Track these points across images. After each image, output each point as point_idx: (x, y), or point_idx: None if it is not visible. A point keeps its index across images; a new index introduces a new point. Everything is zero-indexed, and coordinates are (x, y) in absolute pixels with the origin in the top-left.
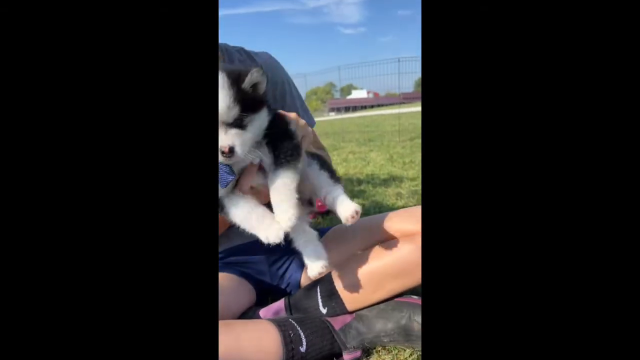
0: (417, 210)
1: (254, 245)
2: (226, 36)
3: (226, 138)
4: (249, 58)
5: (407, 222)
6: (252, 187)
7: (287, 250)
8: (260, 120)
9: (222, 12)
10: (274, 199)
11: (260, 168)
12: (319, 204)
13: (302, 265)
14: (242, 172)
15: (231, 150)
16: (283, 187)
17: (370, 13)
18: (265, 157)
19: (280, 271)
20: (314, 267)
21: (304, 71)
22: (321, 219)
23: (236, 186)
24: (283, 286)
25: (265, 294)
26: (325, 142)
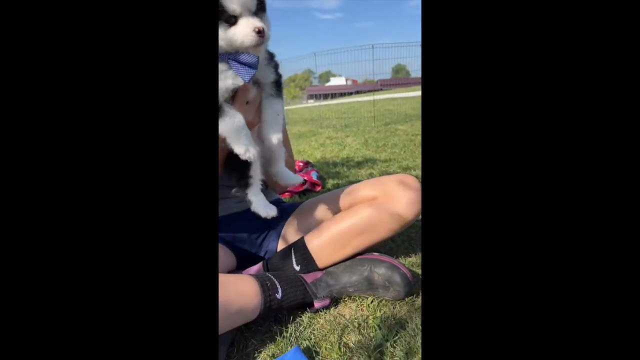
0: (377, 180)
1: (235, 216)
2: None
3: (254, 20)
4: (270, 58)
5: (367, 189)
6: (247, 103)
7: (265, 221)
8: (268, 23)
9: None
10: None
11: (255, 82)
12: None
13: (278, 236)
14: (239, 88)
15: (261, 31)
16: (272, 113)
17: None
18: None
19: (259, 240)
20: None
21: (280, 57)
22: (298, 197)
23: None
24: (262, 254)
25: (244, 261)
26: (303, 129)
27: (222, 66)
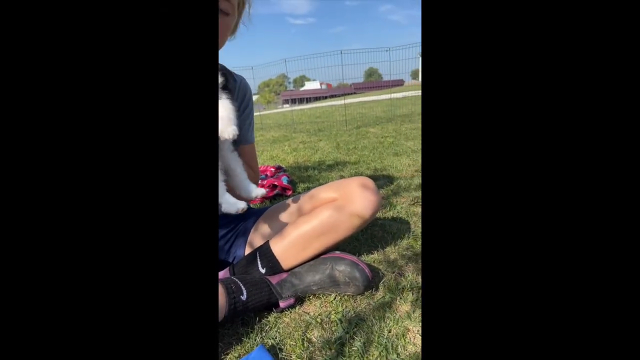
0: (337, 182)
1: None
2: None
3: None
4: (229, 75)
5: (327, 192)
6: None
7: (232, 228)
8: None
9: None
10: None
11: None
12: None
13: (245, 242)
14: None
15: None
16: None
17: (320, 4)
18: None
19: (227, 246)
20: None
21: (252, 63)
22: (269, 202)
23: None
24: (230, 259)
25: None
26: (277, 134)
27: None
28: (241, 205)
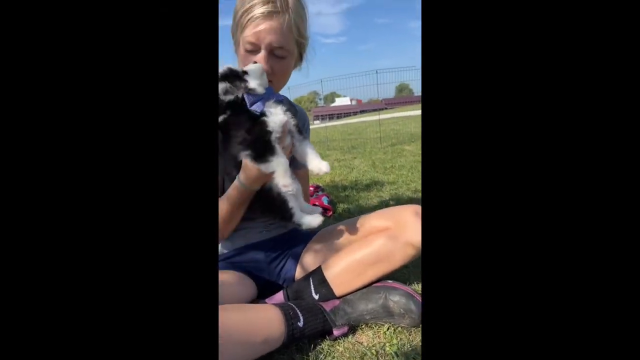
0: (389, 210)
1: (255, 246)
2: (229, 43)
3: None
4: (290, 104)
5: (380, 219)
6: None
7: (283, 251)
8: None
9: (223, 22)
10: (309, 157)
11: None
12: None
13: (295, 264)
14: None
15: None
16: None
17: (351, 22)
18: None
19: (277, 269)
20: (315, 219)
21: (288, 84)
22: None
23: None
24: (280, 282)
25: (264, 289)
26: None
27: (274, 104)
28: (319, 219)
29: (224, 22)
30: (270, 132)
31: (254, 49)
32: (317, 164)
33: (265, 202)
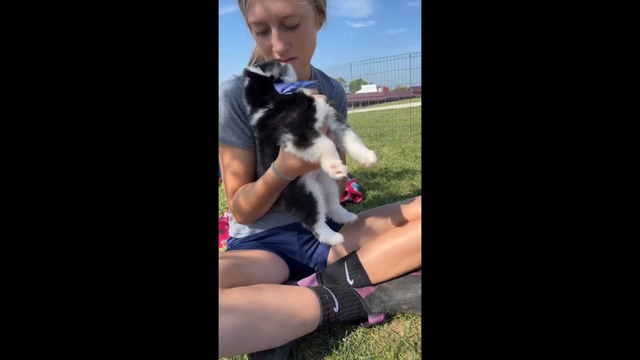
0: None
1: (288, 228)
2: (229, 33)
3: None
4: (326, 79)
5: (417, 207)
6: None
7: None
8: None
9: (223, 10)
10: (354, 146)
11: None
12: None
13: (328, 248)
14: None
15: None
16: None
17: (380, 5)
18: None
19: (309, 252)
20: (335, 238)
21: (316, 67)
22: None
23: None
24: (312, 265)
25: (295, 271)
26: None
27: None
28: (340, 240)
29: (225, 10)
30: (315, 120)
31: (264, 29)
32: (363, 154)
33: (293, 199)
